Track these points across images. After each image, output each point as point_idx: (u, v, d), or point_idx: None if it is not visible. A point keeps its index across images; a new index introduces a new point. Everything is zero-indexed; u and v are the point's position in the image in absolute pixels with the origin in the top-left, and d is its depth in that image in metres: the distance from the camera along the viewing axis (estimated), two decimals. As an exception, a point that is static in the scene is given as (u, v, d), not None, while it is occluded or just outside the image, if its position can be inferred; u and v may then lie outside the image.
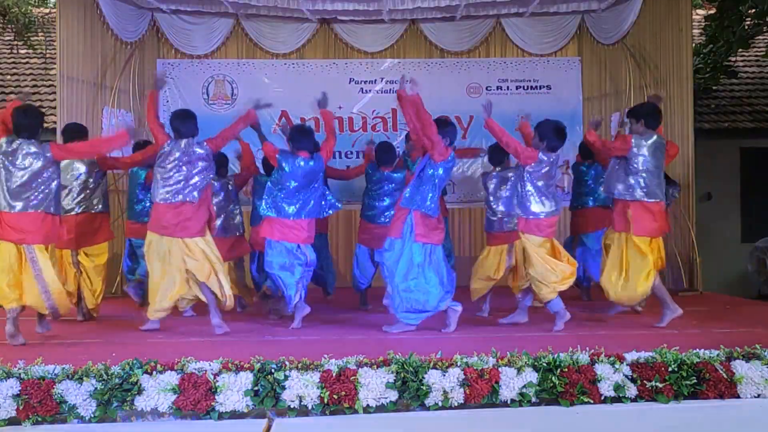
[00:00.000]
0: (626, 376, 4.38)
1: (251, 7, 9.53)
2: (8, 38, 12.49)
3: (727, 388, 4.38)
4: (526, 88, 10.24)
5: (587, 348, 4.56)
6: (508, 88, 10.23)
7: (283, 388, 4.20)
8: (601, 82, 9.97)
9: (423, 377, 4.27)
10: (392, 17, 9.87)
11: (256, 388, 4.19)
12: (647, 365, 4.42)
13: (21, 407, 4.10)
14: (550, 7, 9.86)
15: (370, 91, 10.19)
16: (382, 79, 10.19)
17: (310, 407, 4.19)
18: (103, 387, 4.15)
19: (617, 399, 4.33)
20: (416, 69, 10.16)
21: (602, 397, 4.32)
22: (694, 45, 9.66)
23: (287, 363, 4.31)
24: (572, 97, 10.23)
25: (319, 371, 4.27)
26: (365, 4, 9.41)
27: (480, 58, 10.29)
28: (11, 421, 4.10)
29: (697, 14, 12.02)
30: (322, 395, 4.18)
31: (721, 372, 4.42)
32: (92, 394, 4.14)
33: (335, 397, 4.19)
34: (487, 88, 10.20)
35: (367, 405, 4.20)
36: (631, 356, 4.50)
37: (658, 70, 8.83)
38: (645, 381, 4.37)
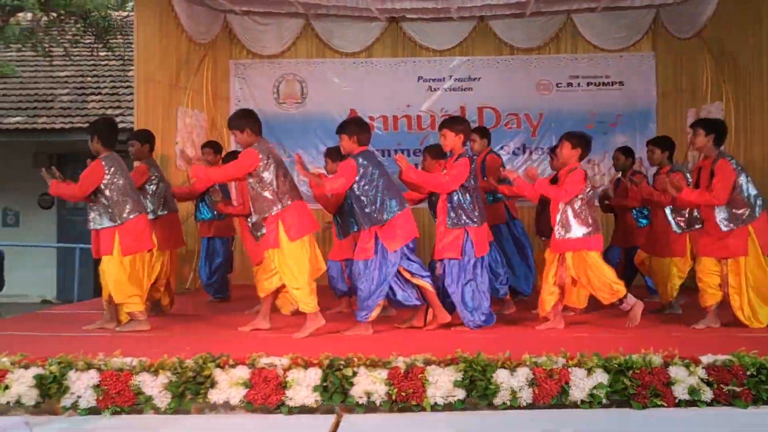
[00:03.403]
0: (702, 380, 4.27)
1: (321, 7, 9.63)
2: (89, 41, 12.93)
3: (810, 394, 4.23)
4: (597, 84, 10.05)
5: (660, 350, 4.46)
6: (578, 84, 10.06)
7: (352, 384, 4.24)
8: (676, 77, 9.69)
9: (491, 376, 4.25)
10: (461, 15, 9.82)
11: (325, 384, 4.24)
12: (724, 368, 4.29)
13: (100, 397, 4.25)
14: (624, 2, 9.64)
15: (438, 89, 10.16)
16: (451, 77, 10.16)
17: (378, 404, 4.22)
18: (177, 380, 4.27)
19: (692, 403, 4.23)
20: (485, 66, 10.13)
21: (676, 401, 4.22)
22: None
23: (356, 359, 4.35)
24: (646, 94, 9.99)
25: (387, 368, 4.29)
26: (434, 2, 9.39)
27: (550, 54, 10.13)
28: (91, 411, 4.26)
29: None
30: (390, 392, 4.21)
31: (802, 377, 4.26)
32: (167, 387, 4.26)
33: (403, 394, 4.21)
34: (557, 85, 10.05)
35: (435, 403, 4.21)
36: (706, 359, 4.38)
37: (737, 65, 8.53)
38: (722, 385, 4.24)
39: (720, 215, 5.85)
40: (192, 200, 7.95)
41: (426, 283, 5.91)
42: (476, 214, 6.00)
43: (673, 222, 6.63)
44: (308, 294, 5.75)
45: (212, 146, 7.93)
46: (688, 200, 5.97)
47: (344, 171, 5.83)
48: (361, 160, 5.85)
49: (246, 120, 5.89)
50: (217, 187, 7.47)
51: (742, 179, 5.86)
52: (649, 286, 7.56)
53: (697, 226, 6.36)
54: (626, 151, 7.54)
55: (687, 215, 6.56)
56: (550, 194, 6.02)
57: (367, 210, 5.81)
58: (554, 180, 6.23)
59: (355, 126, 6.01)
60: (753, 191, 5.89)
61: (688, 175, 6.89)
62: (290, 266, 5.73)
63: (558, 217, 5.96)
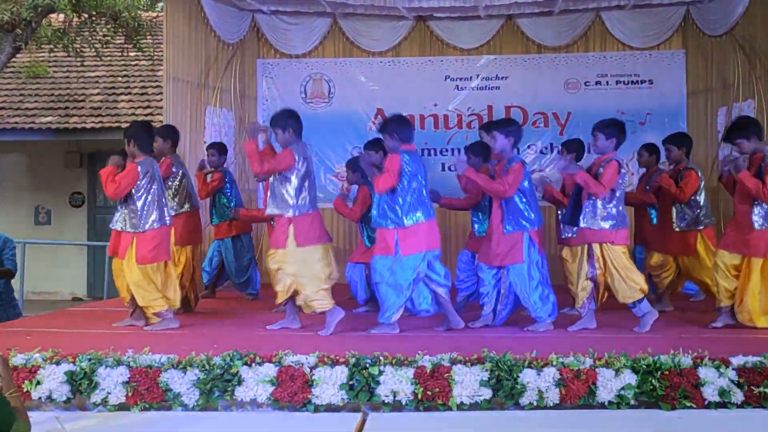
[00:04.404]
0: (732, 381, 4.22)
1: (348, 6, 9.64)
2: (119, 42, 13.06)
3: (843, 397, 4.16)
4: (626, 83, 9.94)
5: (689, 351, 4.41)
6: (607, 83, 9.96)
7: (378, 383, 4.25)
8: (707, 75, 9.54)
9: (517, 376, 4.23)
10: (488, 13, 9.77)
11: (351, 383, 4.26)
12: (755, 370, 4.24)
13: (130, 394, 4.31)
14: (653, -1, 9.55)
15: (465, 88, 10.12)
16: (478, 75, 10.11)
17: (404, 402, 4.22)
18: (205, 377, 4.31)
19: (722, 404, 4.18)
20: (512, 65, 10.07)
21: (706, 402, 4.18)
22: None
23: (382, 358, 4.36)
24: (676, 92, 9.85)
25: (414, 367, 4.29)
26: (462, 1, 9.36)
27: (578, 53, 10.03)
28: (121, 407, 4.32)
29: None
30: (416, 391, 4.21)
31: (836, 379, 4.19)
32: (195, 384, 4.31)
33: (429, 393, 4.21)
34: (585, 84, 9.97)
35: (461, 402, 4.20)
36: (737, 360, 4.32)
37: (770, 62, 8.40)
38: (752, 386, 4.19)
39: (758, 212, 5.77)
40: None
41: (441, 290, 5.91)
42: (533, 216, 5.99)
43: (675, 220, 6.80)
44: (316, 291, 5.78)
45: (217, 147, 8.01)
46: (745, 183, 5.75)
47: (391, 167, 5.76)
48: (406, 156, 5.81)
49: (289, 120, 5.98)
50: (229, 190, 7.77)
51: None
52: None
53: (700, 227, 6.70)
54: (650, 148, 7.47)
55: (690, 216, 6.74)
56: (592, 189, 5.85)
57: (396, 207, 5.77)
58: (588, 170, 6.08)
59: (395, 124, 5.98)
60: None
61: (701, 175, 6.88)
62: (294, 268, 5.79)
63: (587, 207, 5.88)
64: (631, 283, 5.80)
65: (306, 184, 5.87)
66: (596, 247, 5.87)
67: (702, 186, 6.80)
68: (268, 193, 6.11)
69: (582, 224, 5.90)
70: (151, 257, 5.96)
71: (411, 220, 5.76)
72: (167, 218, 6.13)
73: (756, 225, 5.75)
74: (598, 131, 6.01)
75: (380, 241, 5.88)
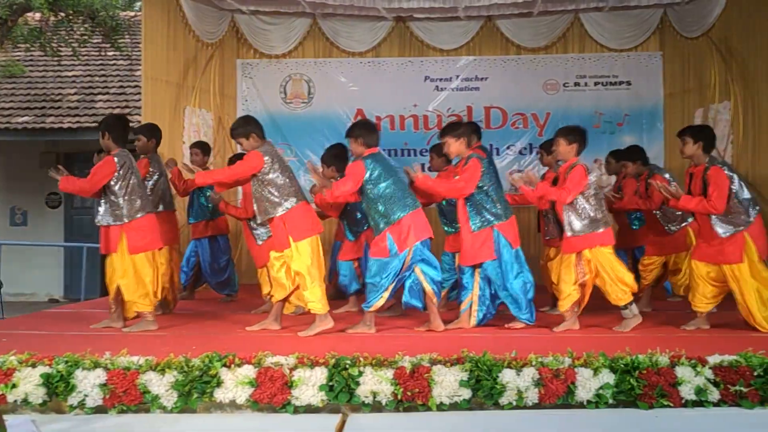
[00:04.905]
0: (708, 380, 4.26)
1: (328, 7, 9.63)
2: (97, 41, 12.97)
3: (818, 395, 4.21)
4: (604, 84, 10.02)
5: (667, 350, 4.45)
6: (585, 84, 10.03)
7: (358, 383, 4.24)
8: (684, 77, 9.64)
9: (497, 376, 4.24)
10: (468, 14, 9.81)
11: (330, 384, 4.25)
12: (731, 369, 4.28)
13: (107, 396, 4.26)
14: (631, 1, 9.62)
15: (445, 88, 10.15)
16: (458, 76, 10.15)
17: (383, 403, 4.22)
18: (184, 378, 4.28)
19: (699, 403, 4.22)
20: (492, 66, 10.11)
21: (683, 401, 4.22)
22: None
23: (362, 359, 4.35)
24: (653, 93, 9.95)
25: (393, 368, 4.29)
26: (441, 2, 9.38)
27: (557, 54, 10.09)
28: (98, 410, 4.28)
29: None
30: (395, 392, 4.21)
31: (810, 378, 4.25)
32: (174, 385, 4.27)
33: (409, 393, 4.21)
34: (564, 85, 10.04)
35: (441, 402, 4.21)
36: (713, 359, 4.36)
37: (746, 64, 8.49)
38: (728, 385, 4.24)
39: (716, 221, 5.81)
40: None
41: (431, 289, 5.91)
42: (500, 209, 6.01)
43: (664, 224, 6.92)
44: (320, 295, 5.77)
45: (200, 147, 7.98)
46: (687, 208, 5.94)
47: (352, 174, 5.84)
48: (369, 161, 5.86)
49: (248, 126, 5.97)
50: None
51: (735, 185, 5.81)
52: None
53: (689, 221, 6.76)
54: (617, 155, 7.55)
55: (676, 215, 6.83)
56: (553, 197, 5.97)
57: (381, 209, 5.82)
58: (555, 181, 6.16)
59: (360, 129, 6.05)
60: (746, 195, 5.83)
61: (666, 175, 7.02)
62: (301, 266, 5.75)
63: (568, 215, 5.90)
64: (622, 286, 5.85)
65: (285, 177, 5.86)
66: (586, 252, 5.89)
67: (671, 183, 6.85)
68: (254, 202, 6.03)
69: (568, 233, 5.92)
70: (143, 245, 5.94)
71: (399, 215, 5.80)
72: (152, 207, 6.12)
73: (722, 233, 5.79)
74: (559, 137, 6.03)
75: (376, 245, 5.92)
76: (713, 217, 5.79)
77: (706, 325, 5.95)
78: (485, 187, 6.00)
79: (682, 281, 7.01)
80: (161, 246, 6.22)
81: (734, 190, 5.78)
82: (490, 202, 6.00)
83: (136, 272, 5.92)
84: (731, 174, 5.86)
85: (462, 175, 5.98)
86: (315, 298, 5.76)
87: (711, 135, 6.13)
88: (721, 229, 5.78)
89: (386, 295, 5.87)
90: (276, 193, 5.80)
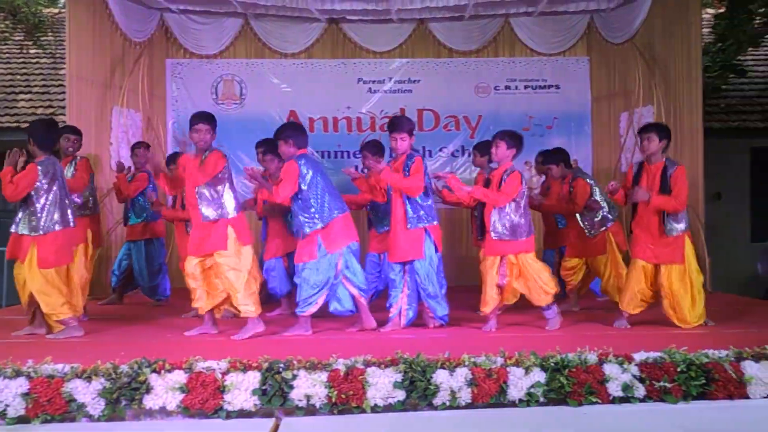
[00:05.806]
0: (635, 377, 4.37)
1: (260, 7, 9.55)
2: (18, 38, 12.54)
3: (737, 389, 4.38)
4: (534, 87, 10.21)
5: (595, 348, 4.55)
6: (516, 87, 10.20)
7: (291, 387, 4.21)
8: (610, 81, 9.93)
9: (431, 377, 4.27)
10: (401, 17, 9.86)
11: (264, 388, 4.20)
12: (656, 365, 4.41)
13: (30, 406, 4.12)
14: (559, 7, 9.84)
15: (378, 90, 10.19)
16: (391, 78, 10.19)
17: (318, 406, 4.20)
18: (111, 386, 4.17)
19: (625, 399, 4.33)
20: (424, 68, 10.19)
21: (611, 398, 4.31)
22: (703, 44, 9.61)
23: (295, 362, 4.32)
24: (581, 97, 10.20)
25: (327, 371, 4.27)
26: (374, 4, 9.42)
27: (488, 57, 10.26)
28: (21, 420, 4.13)
29: (706, 13, 11.97)
30: (330, 394, 4.19)
31: (730, 372, 4.41)
32: (101, 393, 4.16)
33: (343, 396, 4.19)
34: (495, 88, 10.18)
35: (375, 404, 4.20)
36: (639, 356, 4.49)
37: (668, 70, 8.79)
38: (653, 381, 4.36)
39: (670, 219, 5.95)
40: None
41: (358, 292, 5.96)
42: (434, 211, 6.09)
43: (585, 227, 7.12)
44: (253, 299, 5.77)
45: (143, 147, 7.84)
46: (658, 206, 5.93)
47: (289, 175, 5.81)
48: (303, 162, 5.85)
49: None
50: (153, 190, 7.39)
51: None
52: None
53: (608, 225, 7.07)
54: (545, 155, 7.70)
55: (595, 220, 7.06)
56: (487, 199, 6.04)
57: (312, 210, 5.81)
58: (487, 183, 6.22)
59: (291, 130, 6.07)
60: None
61: (589, 180, 7.18)
62: (240, 269, 5.72)
63: (495, 219, 5.97)
64: (545, 287, 5.97)
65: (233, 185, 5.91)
66: (510, 257, 5.98)
67: (594, 187, 7.07)
68: (199, 201, 5.84)
69: (493, 236, 5.99)
70: (53, 260, 5.74)
71: (329, 217, 5.82)
72: (70, 220, 5.90)
73: (671, 232, 5.95)
74: (501, 139, 6.06)
75: (303, 247, 5.89)
76: (668, 216, 5.94)
77: (628, 324, 6.12)
78: (427, 187, 6.07)
79: (610, 284, 7.15)
80: (71, 261, 5.96)
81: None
82: (426, 202, 6.06)
83: (53, 283, 5.72)
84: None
85: (417, 174, 5.94)
86: (247, 301, 5.73)
87: (671, 135, 6.27)
88: (673, 228, 5.94)
89: (320, 300, 5.87)
90: (229, 196, 5.85)
